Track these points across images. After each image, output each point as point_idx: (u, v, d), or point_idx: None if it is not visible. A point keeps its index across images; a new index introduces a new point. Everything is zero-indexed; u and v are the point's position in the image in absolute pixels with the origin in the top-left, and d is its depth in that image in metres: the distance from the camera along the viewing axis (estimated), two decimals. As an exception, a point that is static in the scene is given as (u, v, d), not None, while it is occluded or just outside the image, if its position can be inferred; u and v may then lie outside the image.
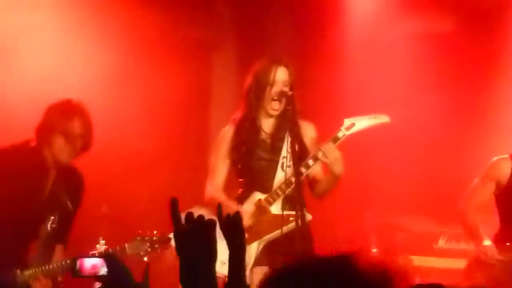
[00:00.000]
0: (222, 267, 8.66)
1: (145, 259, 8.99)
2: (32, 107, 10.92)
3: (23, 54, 11.48)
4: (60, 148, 8.81)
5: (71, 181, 9.06)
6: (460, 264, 10.79)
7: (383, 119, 9.28)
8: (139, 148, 11.54)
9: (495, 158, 9.71)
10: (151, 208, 10.34)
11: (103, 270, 5.52)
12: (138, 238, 8.96)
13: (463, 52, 11.91)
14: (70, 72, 11.58)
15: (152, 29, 11.77)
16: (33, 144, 8.92)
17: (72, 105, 9.02)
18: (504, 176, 9.48)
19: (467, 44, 11.95)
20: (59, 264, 8.60)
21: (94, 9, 11.48)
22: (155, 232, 9.04)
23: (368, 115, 9.24)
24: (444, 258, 11.49)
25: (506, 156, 9.60)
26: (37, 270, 8.61)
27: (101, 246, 10.53)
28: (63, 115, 8.88)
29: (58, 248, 8.83)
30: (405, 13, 11.88)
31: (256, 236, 9.07)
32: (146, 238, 8.98)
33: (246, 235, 8.74)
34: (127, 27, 11.64)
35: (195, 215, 8.98)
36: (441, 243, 11.64)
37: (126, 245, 8.88)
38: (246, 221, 8.90)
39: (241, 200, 9.17)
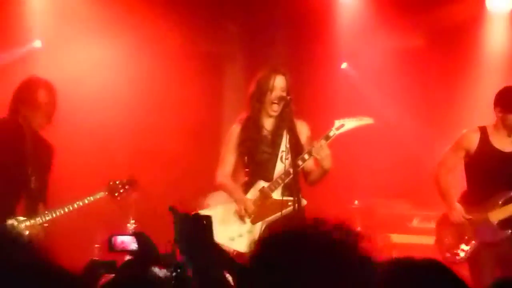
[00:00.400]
0: (231, 243, 8.94)
1: (119, 198, 9.34)
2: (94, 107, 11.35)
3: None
4: (30, 116, 8.93)
5: (43, 146, 9.13)
6: (430, 240, 11.06)
7: (367, 120, 9.32)
8: (163, 142, 11.64)
9: (465, 130, 9.68)
10: (173, 190, 10.47)
11: (134, 246, 5.63)
12: (110, 183, 9.22)
13: (432, 61, 11.93)
14: (116, 80, 11.82)
15: (175, 44, 11.83)
16: (7, 115, 8.99)
17: (36, 79, 9.16)
18: (473, 145, 9.38)
19: (436, 54, 11.97)
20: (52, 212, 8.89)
21: (133, 34, 11.59)
22: (124, 180, 9.36)
23: (355, 117, 9.34)
24: (417, 236, 11.45)
25: (475, 128, 9.54)
26: (36, 219, 8.81)
27: (131, 225, 10.78)
28: (29, 87, 9.01)
29: (41, 206, 8.88)
30: (385, 28, 11.74)
31: (260, 218, 9.10)
32: (117, 182, 9.25)
33: (252, 216, 9.02)
34: (156, 43, 11.72)
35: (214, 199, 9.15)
36: (415, 222, 11.68)
37: (104, 189, 9.22)
38: (250, 206, 9.15)
39: (247, 186, 9.21)
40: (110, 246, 5.81)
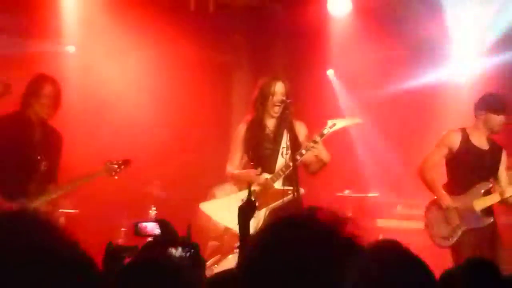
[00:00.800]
0: (238, 228, 8.92)
1: (116, 177, 9.32)
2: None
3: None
4: (38, 107, 8.97)
5: (52, 134, 9.17)
6: (411, 225, 10.95)
7: (357, 120, 9.41)
8: (179, 140, 11.66)
9: (446, 131, 9.73)
10: (188, 182, 10.50)
11: (157, 231, 5.65)
12: (107, 163, 9.25)
13: (410, 67, 11.93)
14: (138, 86, 11.87)
15: (191, 54, 11.82)
16: (19, 109, 9.03)
17: (43, 75, 9.18)
18: (455, 144, 9.41)
19: (414, 61, 11.98)
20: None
21: (155, 45, 11.61)
22: (120, 160, 9.41)
23: (346, 117, 9.40)
24: (400, 220, 11.51)
25: (456, 129, 9.58)
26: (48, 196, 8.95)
27: (153, 212, 10.79)
28: (37, 82, 9.04)
29: (52, 186, 8.94)
30: (370, 39, 11.67)
31: (264, 205, 9.10)
32: (114, 162, 9.28)
33: (257, 203, 9.00)
34: (174, 53, 11.72)
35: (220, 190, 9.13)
36: (399, 209, 11.68)
37: (101, 169, 9.25)
38: (259, 179, 9.09)
39: (252, 179, 9.33)
40: (136, 231, 5.83)
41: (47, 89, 9.02)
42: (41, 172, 9.02)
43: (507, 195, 9.32)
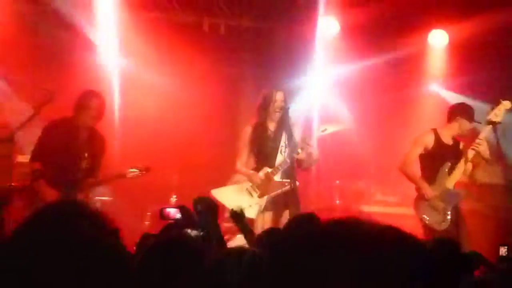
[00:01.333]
0: (245, 210, 8.89)
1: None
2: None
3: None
4: (86, 116, 9.05)
5: (96, 138, 9.24)
6: (388, 209, 11.05)
7: (343, 126, 9.41)
8: (196, 139, 11.63)
9: (422, 132, 9.72)
10: (203, 174, 10.50)
11: (178, 215, 5.66)
12: (132, 169, 9.29)
13: (388, 76, 11.88)
14: (163, 94, 11.80)
15: (205, 69, 11.80)
16: (70, 116, 9.12)
17: (91, 92, 9.28)
18: (430, 143, 9.41)
19: (391, 71, 11.95)
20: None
21: (176, 62, 11.50)
22: (141, 165, 9.45)
23: (335, 123, 9.40)
24: (379, 206, 11.45)
25: (429, 130, 9.56)
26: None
27: (173, 199, 10.75)
28: (86, 97, 9.11)
29: (91, 179, 9.00)
30: (353, 53, 11.67)
31: (265, 193, 9.07)
32: (139, 166, 9.32)
33: (259, 192, 9.00)
34: (190, 68, 11.68)
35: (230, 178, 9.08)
36: (378, 196, 11.63)
37: (127, 172, 9.28)
38: (260, 180, 9.10)
39: (256, 171, 9.13)
40: (161, 215, 5.84)
41: (94, 103, 9.10)
42: (83, 169, 9.06)
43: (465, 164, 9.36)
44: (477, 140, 9.24)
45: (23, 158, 10.12)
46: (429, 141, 9.49)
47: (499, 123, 9.21)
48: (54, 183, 8.87)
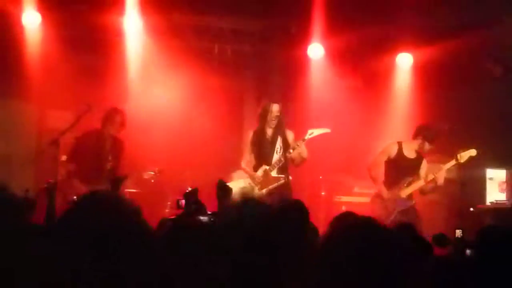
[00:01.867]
0: None
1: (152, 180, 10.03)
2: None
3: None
4: (110, 128, 9.57)
5: (118, 143, 9.67)
6: (364, 199, 10.90)
7: (327, 130, 9.45)
8: (206, 142, 11.61)
9: (388, 142, 9.84)
10: (212, 171, 10.51)
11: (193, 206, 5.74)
12: (148, 171, 9.86)
13: (366, 94, 11.87)
14: (178, 106, 11.84)
15: (214, 84, 11.83)
16: (99, 127, 9.59)
17: (116, 109, 9.73)
18: (393, 153, 9.53)
19: (368, 90, 11.93)
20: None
21: (188, 77, 11.58)
22: (156, 168, 10.04)
23: (320, 128, 9.44)
24: (358, 197, 11.41)
25: (395, 142, 9.66)
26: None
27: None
28: (111, 113, 9.61)
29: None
30: (337, 73, 11.63)
31: (264, 186, 9.19)
32: (155, 169, 9.90)
33: (259, 185, 9.05)
34: (202, 83, 11.75)
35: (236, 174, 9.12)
36: (356, 189, 11.61)
37: (144, 174, 9.86)
38: (259, 178, 9.24)
39: (256, 168, 9.31)
40: (178, 205, 5.91)
41: (117, 118, 9.57)
42: (107, 169, 9.48)
43: (424, 183, 9.45)
44: (441, 166, 9.34)
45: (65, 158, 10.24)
46: (393, 151, 9.61)
47: (461, 163, 9.29)
48: (85, 180, 9.23)
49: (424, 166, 9.64)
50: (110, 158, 9.55)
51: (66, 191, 8.99)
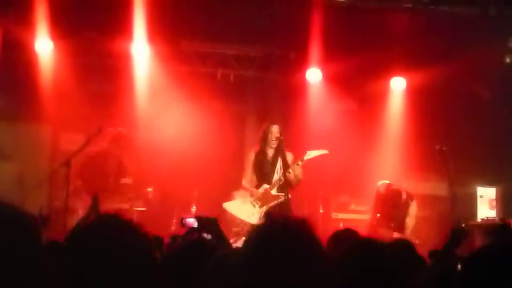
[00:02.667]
0: (248, 218, 8.92)
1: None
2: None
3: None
4: (115, 149, 9.80)
5: (122, 164, 9.82)
6: (360, 217, 10.99)
7: (325, 151, 9.47)
8: (210, 163, 11.55)
9: (379, 183, 10.02)
10: (216, 190, 10.52)
11: (196, 224, 5.70)
12: (124, 179, 9.90)
13: (360, 117, 11.88)
14: (184, 128, 11.80)
15: (217, 107, 11.85)
16: (104, 148, 9.75)
17: (121, 132, 9.88)
18: (381, 191, 9.75)
19: (363, 113, 11.94)
20: None
21: (194, 101, 11.62)
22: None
23: (318, 149, 9.45)
24: (354, 214, 11.37)
25: (386, 182, 9.86)
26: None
27: (193, 209, 10.70)
28: (117, 136, 9.82)
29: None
30: (334, 97, 11.71)
31: (264, 204, 9.17)
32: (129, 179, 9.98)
33: (260, 203, 9.03)
34: (206, 107, 11.76)
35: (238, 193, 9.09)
36: (353, 206, 11.55)
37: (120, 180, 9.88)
38: (259, 194, 9.23)
39: (258, 187, 9.28)
40: (182, 224, 5.86)
41: (122, 140, 9.65)
42: (111, 186, 9.72)
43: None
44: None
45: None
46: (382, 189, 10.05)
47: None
48: (90, 194, 9.06)
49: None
50: (113, 177, 9.56)
51: (75, 205, 9.06)
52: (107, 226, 2.33)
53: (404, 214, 9.88)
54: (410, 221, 9.80)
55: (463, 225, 5.30)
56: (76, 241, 2.31)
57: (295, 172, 9.16)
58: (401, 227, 9.83)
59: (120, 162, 9.67)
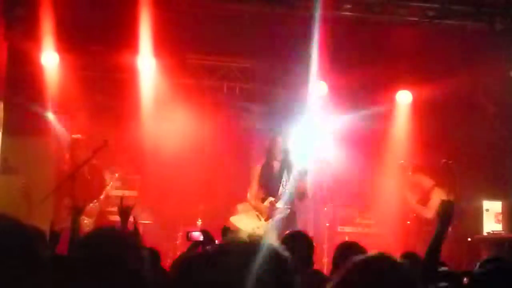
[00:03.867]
0: (254, 231, 8.93)
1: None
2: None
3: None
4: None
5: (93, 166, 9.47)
6: (366, 230, 11.06)
7: (329, 160, 9.53)
8: (217, 175, 11.64)
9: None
10: (221, 204, 10.55)
11: (201, 237, 5.72)
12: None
13: (366, 128, 11.80)
14: (191, 142, 11.75)
15: (223, 120, 11.93)
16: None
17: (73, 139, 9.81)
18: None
19: (369, 126, 11.82)
20: None
21: (199, 115, 11.66)
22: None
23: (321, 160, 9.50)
24: (360, 227, 11.42)
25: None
26: None
27: (199, 222, 10.77)
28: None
29: None
30: (337, 107, 11.66)
31: (269, 217, 9.28)
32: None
33: (265, 217, 9.04)
34: (213, 121, 11.82)
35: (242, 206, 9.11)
36: (358, 219, 11.59)
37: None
38: (264, 209, 9.24)
39: (263, 200, 9.28)
40: (187, 237, 5.89)
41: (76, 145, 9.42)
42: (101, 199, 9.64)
43: None
44: None
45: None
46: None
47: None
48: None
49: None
50: (103, 192, 9.60)
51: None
52: (102, 240, 2.35)
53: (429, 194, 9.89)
54: (433, 203, 9.79)
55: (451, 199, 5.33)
56: (74, 254, 2.34)
57: (302, 184, 9.18)
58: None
59: (98, 170, 9.56)
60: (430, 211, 9.77)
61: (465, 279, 4.90)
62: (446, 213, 4.43)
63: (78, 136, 9.66)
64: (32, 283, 2.02)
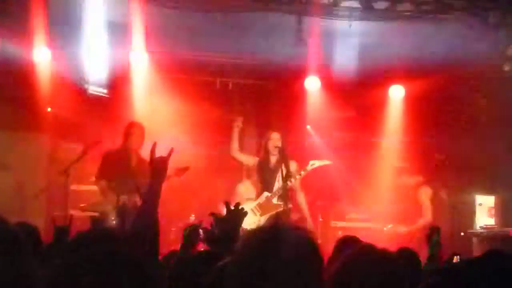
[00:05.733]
0: (249, 226, 8.98)
1: None
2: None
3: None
4: (130, 141, 9.21)
5: (142, 162, 8.90)
6: (359, 225, 11.11)
7: (327, 162, 9.59)
8: (209, 170, 11.72)
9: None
10: (215, 198, 10.56)
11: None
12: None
13: (359, 125, 11.91)
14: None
15: (216, 116, 11.96)
16: (120, 144, 9.31)
17: (132, 122, 9.49)
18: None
19: (362, 121, 11.94)
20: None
21: (193, 110, 11.67)
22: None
23: (320, 159, 9.56)
24: (353, 222, 11.45)
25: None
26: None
27: (192, 217, 10.71)
28: (130, 127, 9.33)
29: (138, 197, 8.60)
30: (333, 104, 11.79)
31: (265, 213, 9.33)
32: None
33: (260, 211, 9.10)
34: (205, 116, 11.85)
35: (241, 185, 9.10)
36: (352, 214, 11.62)
37: None
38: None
39: (258, 195, 9.44)
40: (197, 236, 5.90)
41: (135, 129, 9.25)
42: (134, 185, 8.96)
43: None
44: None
45: (76, 187, 10.29)
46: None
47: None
48: (120, 193, 8.97)
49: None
50: (134, 175, 9.29)
51: (104, 207, 8.98)
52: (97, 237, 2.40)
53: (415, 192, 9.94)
54: (425, 207, 9.83)
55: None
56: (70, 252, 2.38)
57: (298, 180, 9.27)
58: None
59: (140, 162, 9.41)
60: (427, 215, 9.85)
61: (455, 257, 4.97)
62: None
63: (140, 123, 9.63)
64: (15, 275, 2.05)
